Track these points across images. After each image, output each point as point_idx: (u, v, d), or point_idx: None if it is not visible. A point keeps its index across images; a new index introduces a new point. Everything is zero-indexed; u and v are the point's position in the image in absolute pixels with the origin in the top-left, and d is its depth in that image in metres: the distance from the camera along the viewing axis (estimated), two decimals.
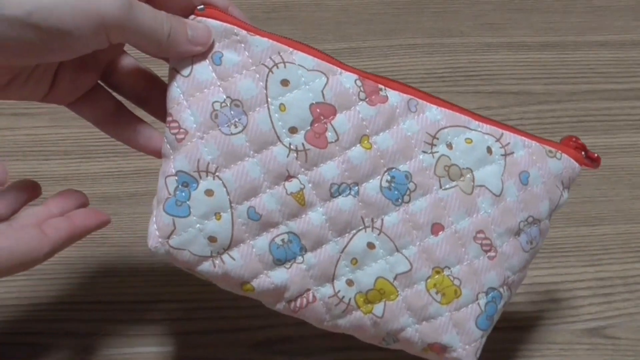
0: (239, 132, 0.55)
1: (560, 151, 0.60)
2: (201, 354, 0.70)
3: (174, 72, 0.56)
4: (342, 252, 0.57)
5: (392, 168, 0.57)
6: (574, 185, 0.62)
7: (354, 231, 0.57)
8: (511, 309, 0.72)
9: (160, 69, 0.60)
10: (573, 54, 0.97)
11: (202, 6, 0.56)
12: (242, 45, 0.56)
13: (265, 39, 0.56)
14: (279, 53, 0.56)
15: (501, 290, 0.59)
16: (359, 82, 0.57)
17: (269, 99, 0.56)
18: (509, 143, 0.58)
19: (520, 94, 0.92)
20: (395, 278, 0.57)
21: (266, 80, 0.56)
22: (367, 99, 0.57)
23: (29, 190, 0.60)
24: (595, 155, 0.61)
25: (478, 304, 0.58)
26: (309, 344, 0.63)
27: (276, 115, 0.56)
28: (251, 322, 0.70)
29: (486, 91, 0.92)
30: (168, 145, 0.56)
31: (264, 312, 0.60)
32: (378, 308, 0.58)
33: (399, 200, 0.57)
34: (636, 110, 0.91)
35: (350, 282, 0.57)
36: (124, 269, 0.75)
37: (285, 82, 0.56)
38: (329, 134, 0.56)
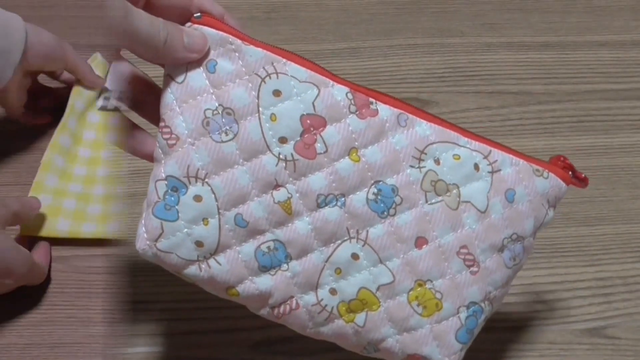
0: (229, 140, 0.56)
1: (547, 170, 0.60)
2: (201, 354, 0.71)
3: (169, 78, 0.57)
4: (326, 261, 0.58)
5: (379, 181, 0.57)
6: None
7: (339, 241, 0.58)
8: (511, 309, 0.73)
9: (155, 71, 0.61)
10: (573, 54, 0.97)
11: (198, 14, 0.56)
12: (237, 54, 0.56)
13: (260, 49, 0.56)
14: (272, 63, 0.56)
15: (482, 305, 0.59)
16: (350, 95, 0.57)
17: (261, 109, 0.56)
18: (496, 160, 0.59)
19: (520, 94, 0.92)
20: (378, 289, 0.58)
21: (258, 90, 0.56)
22: (357, 112, 0.57)
23: None
24: (583, 175, 0.61)
25: (459, 317, 0.59)
26: (308, 344, 0.63)
27: (267, 124, 0.56)
28: (251, 322, 0.70)
29: (486, 91, 0.92)
30: (160, 150, 0.57)
31: None
32: (360, 318, 0.59)
33: (385, 213, 0.58)
34: (636, 110, 0.91)
35: (333, 291, 0.58)
36: (124, 269, 0.75)
37: (277, 93, 0.56)
38: (318, 145, 0.57)
